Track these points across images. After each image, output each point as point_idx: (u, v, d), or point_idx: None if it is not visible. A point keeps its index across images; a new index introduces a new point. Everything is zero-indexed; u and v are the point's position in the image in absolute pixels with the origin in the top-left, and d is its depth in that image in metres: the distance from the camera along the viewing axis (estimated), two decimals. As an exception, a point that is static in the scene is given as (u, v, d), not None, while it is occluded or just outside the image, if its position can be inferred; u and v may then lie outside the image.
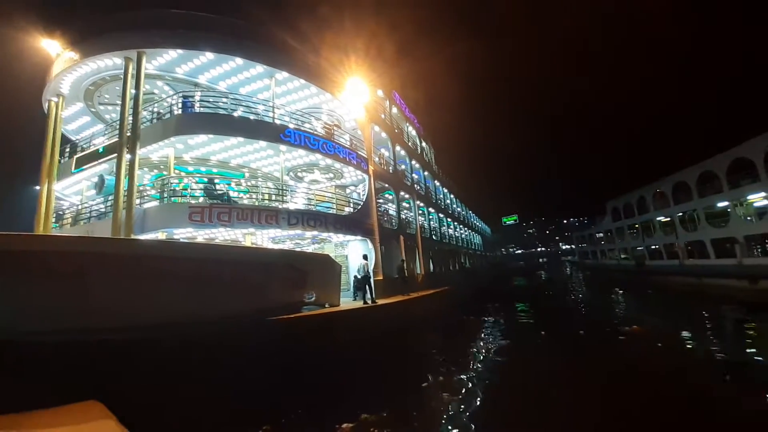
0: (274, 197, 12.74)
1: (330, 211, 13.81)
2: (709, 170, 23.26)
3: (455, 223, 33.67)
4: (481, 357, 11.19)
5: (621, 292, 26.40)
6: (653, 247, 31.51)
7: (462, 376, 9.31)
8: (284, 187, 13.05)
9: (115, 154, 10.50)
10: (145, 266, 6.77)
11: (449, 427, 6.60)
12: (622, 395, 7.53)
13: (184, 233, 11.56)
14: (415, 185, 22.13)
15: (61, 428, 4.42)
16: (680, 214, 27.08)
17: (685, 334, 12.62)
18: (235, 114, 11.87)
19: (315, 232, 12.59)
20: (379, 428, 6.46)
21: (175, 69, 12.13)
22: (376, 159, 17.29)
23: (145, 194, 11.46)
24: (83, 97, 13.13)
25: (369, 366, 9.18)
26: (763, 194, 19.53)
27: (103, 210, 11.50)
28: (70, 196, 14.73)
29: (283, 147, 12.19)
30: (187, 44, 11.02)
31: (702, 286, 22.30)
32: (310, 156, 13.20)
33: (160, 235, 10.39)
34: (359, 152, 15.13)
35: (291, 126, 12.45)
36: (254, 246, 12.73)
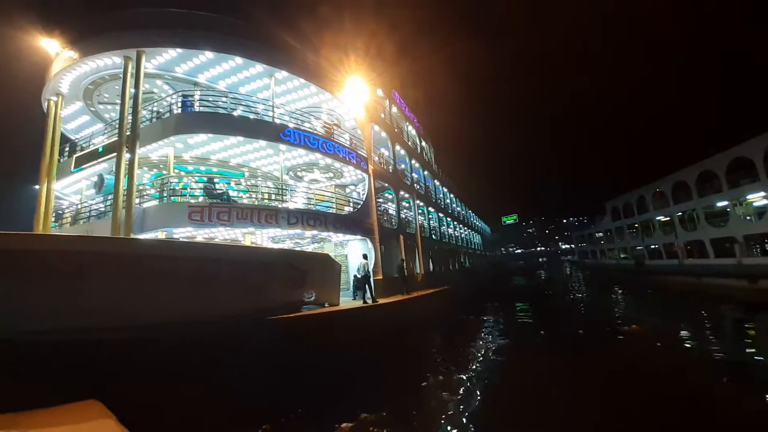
0: (273, 197, 12.73)
1: (330, 211, 13.80)
2: (709, 170, 23.27)
3: (455, 223, 33.68)
4: (481, 356, 11.19)
5: (620, 291, 26.41)
6: (653, 246, 31.54)
7: (462, 376, 9.32)
8: (284, 187, 13.05)
9: (115, 154, 10.49)
10: (145, 266, 6.76)
11: (449, 427, 6.60)
12: (622, 395, 7.53)
13: (183, 233, 11.55)
14: (415, 185, 22.12)
15: (60, 427, 4.40)
16: (680, 213, 27.09)
17: (684, 333, 12.64)
18: (235, 113, 11.86)
19: (315, 232, 12.58)
20: (378, 428, 6.46)
21: (175, 68, 12.11)
22: (376, 158, 17.28)
23: (144, 193, 11.45)
24: (82, 96, 13.11)
25: (369, 365, 9.19)
26: (762, 194, 19.54)
27: (102, 209, 11.49)
28: (69, 195, 14.71)
29: (282, 146, 12.17)
30: (186, 43, 11.01)
31: (701, 286, 22.32)
32: (310, 155, 13.19)
33: (160, 235, 10.39)
34: (359, 151, 15.12)
35: (291, 125, 12.44)
36: (254, 245, 12.72)
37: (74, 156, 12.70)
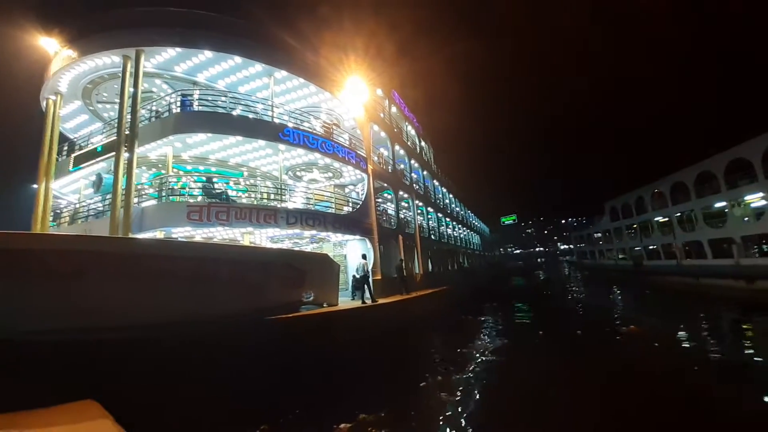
0: (272, 196, 12.73)
1: (329, 211, 13.80)
2: (707, 170, 23.33)
3: (454, 223, 33.70)
4: (480, 357, 11.20)
5: (619, 292, 26.47)
6: (651, 247, 31.60)
7: (460, 376, 9.32)
8: (283, 186, 13.04)
9: (113, 153, 10.46)
10: (143, 265, 6.74)
11: (447, 428, 6.60)
12: (620, 395, 7.55)
13: (182, 232, 11.54)
14: (414, 185, 22.13)
15: (57, 427, 4.39)
16: (678, 214, 27.15)
17: (682, 334, 12.66)
18: (234, 113, 11.84)
19: (313, 232, 12.58)
20: (377, 428, 6.46)
21: (174, 67, 12.09)
22: (375, 158, 17.28)
23: (143, 193, 11.43)
24: (81, 95, 13.07)
25: (368, 366, 9.18)
26: (760, 195, 19.59)
27: (100, 209, 11.46)
28: (67, 194, 14.67)
29: (281, 146, 12.16)
30: (185, 42, 10.99)
31: (699, 287, 22.38)
32: (309, 155, 13.18)
33: (158, 234, 10.37)
34: (358, 151, 15.11)
35: (290, 125, 12.43)
36: (253, 245, 12.71)
37: (73, 155, 12.67)
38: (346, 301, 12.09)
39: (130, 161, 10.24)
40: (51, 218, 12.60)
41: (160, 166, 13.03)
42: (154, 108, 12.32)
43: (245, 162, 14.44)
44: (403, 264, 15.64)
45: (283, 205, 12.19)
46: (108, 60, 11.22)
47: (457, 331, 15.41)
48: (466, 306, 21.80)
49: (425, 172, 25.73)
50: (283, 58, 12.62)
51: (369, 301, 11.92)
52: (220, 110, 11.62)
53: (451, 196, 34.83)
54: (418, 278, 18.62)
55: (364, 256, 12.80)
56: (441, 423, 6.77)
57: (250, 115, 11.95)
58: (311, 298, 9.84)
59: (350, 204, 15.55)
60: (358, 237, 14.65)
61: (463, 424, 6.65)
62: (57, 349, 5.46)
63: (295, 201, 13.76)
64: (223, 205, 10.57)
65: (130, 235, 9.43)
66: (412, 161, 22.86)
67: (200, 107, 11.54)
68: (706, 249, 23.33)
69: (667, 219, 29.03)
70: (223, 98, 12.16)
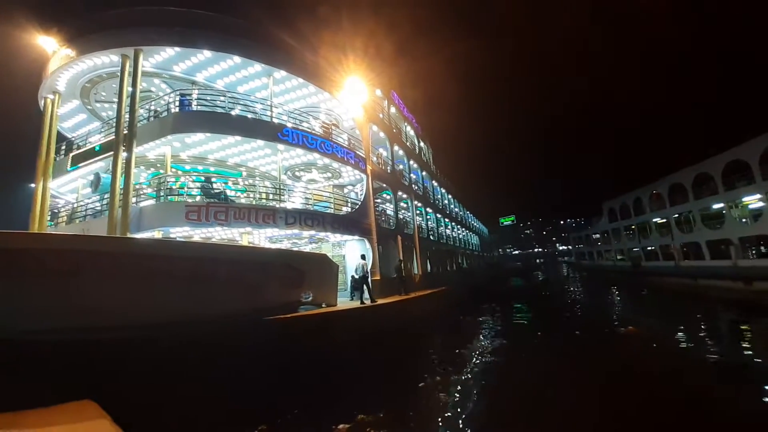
0: (271, 196, 12.70)
1: (328, 211, 13.80)
2: (705, 172, 23.41)
3: (453, 224, 33.73)
4: (478, 357, 11.20)
5: (617, 292, 26.51)
6: (649, 248, 31.68)
7: (459, 377, 9.32)
8: (282, 187, 13.03)
9: (112, 152, 10.43)
10: (142, 265, 6.73)
11: (446, 428, 6.60)
12: (619, 395, 7.55)
13: (180, 232, 11.50)
14: (413, 185, 22.14)
15: (55, 427, 4.37)
16: (676, 215, 27.23)
17: (680, 335, 12.68)
18: (233, 112, 11.82)
19: (312, 232, 12.56)
20: (375, 429, 6.45)
21: (173, 67, 12.07)
22: (374, 159, 17.28)
23: (141, 193, 11.39)
24: (79, 94, 13.04)
25: (366, 366, 9.17)
26: (757, 196, 19.66)
27: (98, 208, 11.43)
28: (65, 194, 14.63)
29: (280, 146, 12.15)
30: (184, 42, 10.97)
31: (697, 288, 22.43)
32: (308, 155, 13.17)
33: (157, 234, 10.34)
34: (357, 152, 15.11)
35: (289, 125, 12.42)
36: (251, 245, 12.69)
37: (71, 154, 12.64)
38: (344, 302, 12.08)
39: (128, 161, 10.21)
40: (48, 218, 12.56)
41: (158, 165, 13.01)
42: (152, 107, 12.29)
43: (244, 162, 14.42)
44: (402, 264, 15.64)
45: (282, 205, 12.17)
46: (106, 59, 11.20)
47: (456, 332, 15.41)
48: (465, 306, 21.80)
49: (424, 173, 25.75)
50: (282, 58, 12.62)
51: (368, 302, 11.91)
52: (219, 110, 11.60)
53: (449, 196, 34.85)
54: (417, 279, 18.62)
55: (363, 257, 12.79)
56: (440, 423, 6.76)
57: (249, 115, 11.93)
58: (310, 299, 9.82)
59: (349, 204, 15.54)
60: (356, 237, 14.64)
61: (461, 425, 6.64)
62: (56, 349, 5.45)
63: (294, 201, 13.74)
64: (221, 205, 10.54)
65: (128, 235, 9.40)
66: (411, 162, 22.87)
67: (199, 107, 11.52)
68: (704, 250, 23.41)
69: (665, 220, 29.12)
70: (222, 98, 12.14)
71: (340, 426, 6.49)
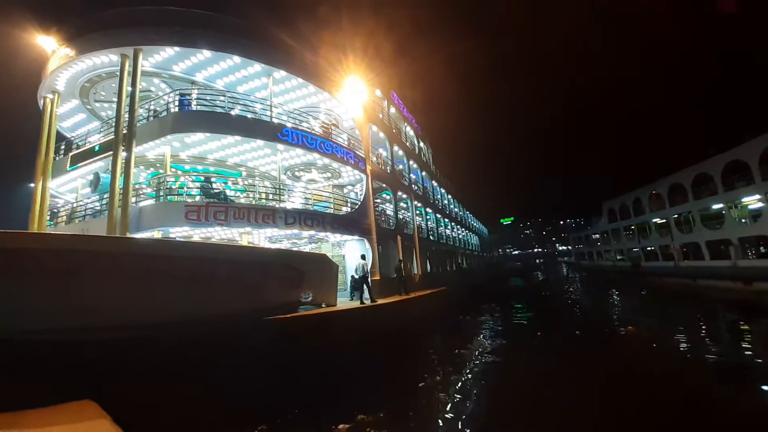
0: (271, 196, 12.69)
1: (327, 211, 13.79)
2: (705, 172, 23.45)
3: (452, 224, 33.72)
4: (478, 357, 11.20)
5: (617, 292, 26.52)
6: (649, 248, 31.71)
7: (459, 377, 9.31)
8: (281, 187, 13.02)
9: (111, 152, 10.41)
10: (141, 265, 6.72)
11: (446, 428, 6.59)
12: (619, 395, 7.55)
13: (180, 232, 11.49)
14: (413, 185, 22.14)
15: (55, 427, 4.36)
16: (676, 215, 27.27)
17: (680, 335, 12.69)
18: (233, 112, 11.81)
19: (312, 232, 12.56)
20: (375, 429, 6.44)
21: (172, 66, 12.06)
22: (374, 159, 17.28)
23: (140, 192, 11.37)
24: (79, 94, 13.02)
25: (366, 366, 9.16)
26: (757, 197, 19.69)
27: (98, 208, 11.41)
28: (65, 193, 14.61)
29: (280, 146, 12.14)
30: (184, 42, 10.96)
31: (697, 288, 22.46)
32: (308, 155, 13.16)
33: (156, 234, 10.33)
34: (357, 152, 15.11)
35: (288, 125, 12.41)
36: (251, 245, 12.68)
37: (70, 154, 12.62)
38: (344, 302, 12.07)
39: (127, 160, 10.20)
40: (48, 217, 12.54)
41: (158, 165, 12.99)
42: (152, 107, 12.28)
43: (243, 162, 14.41)
44: (402, 264, 15.64)
45: (282, 205, 12.17)
46: (106, 59, 11.18)
47: (456, 332, 15.41)
48: (465, 306, 21.80)
49: (424, 173, 25.75)
50: (281, 57, 12.61)
51: (368, 302, 11.90)
52: (219, 110, 11.59)
53: (449, 196, 34.86)
54: (417, 279, 18.62)
55: (363, 257, 12.79)
56: (440, 423, 6.76)
57: (249, 115, 11.92)
58: (309, 299, 9.81)
59: (349, 204, 15.53)
60: (356, 237, 14.63)
61: (461, 425, 6.64)
62: (56, 349, 5.44)
63: (294, 201, 13.73)
64: (221, 205, 10.53)
65: (128, 235, 9.39)
66: (411, 162, 22.87)
67: (198, 107, 11.51)
68: (703, 250, 23.44)
69: (664, 220, 29.15)
70: (222, 98, 12.14)
71: (340, 426, 6.48)
